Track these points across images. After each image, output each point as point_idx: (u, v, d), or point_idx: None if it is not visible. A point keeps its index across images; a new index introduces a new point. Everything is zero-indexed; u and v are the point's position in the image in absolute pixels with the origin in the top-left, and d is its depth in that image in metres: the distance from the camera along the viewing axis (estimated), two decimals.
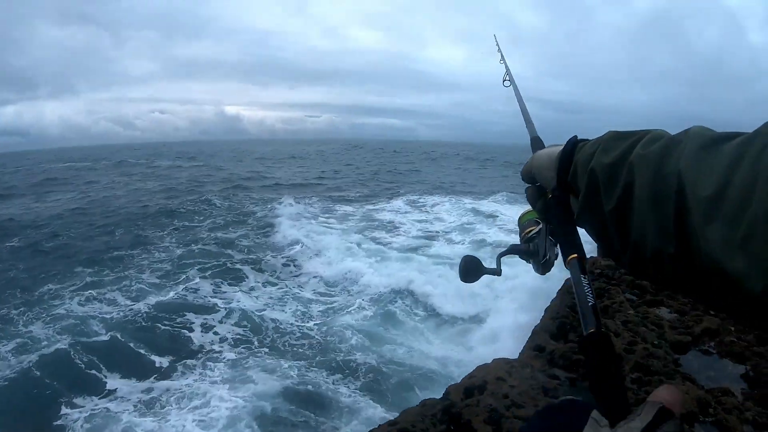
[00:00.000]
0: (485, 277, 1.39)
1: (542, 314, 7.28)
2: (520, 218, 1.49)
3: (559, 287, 8.47)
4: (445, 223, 21.85)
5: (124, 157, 63.06)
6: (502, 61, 2.55)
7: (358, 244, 16.99)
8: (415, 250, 17.00)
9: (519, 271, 11.68)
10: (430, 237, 19.30)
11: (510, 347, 7.43)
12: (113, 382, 8.22)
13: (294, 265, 14.82)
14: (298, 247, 16.46)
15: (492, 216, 22.37)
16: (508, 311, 10.19)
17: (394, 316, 10.82)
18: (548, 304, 7.87)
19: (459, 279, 1.41)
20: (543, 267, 1.32)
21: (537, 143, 1.67)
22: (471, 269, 1.38)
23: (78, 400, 7.69)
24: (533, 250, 1.35)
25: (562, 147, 1.16)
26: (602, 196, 0.96)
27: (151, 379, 8.41)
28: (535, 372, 5.01)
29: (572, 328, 6.18)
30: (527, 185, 1.38)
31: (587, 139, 1.12)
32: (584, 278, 0.98)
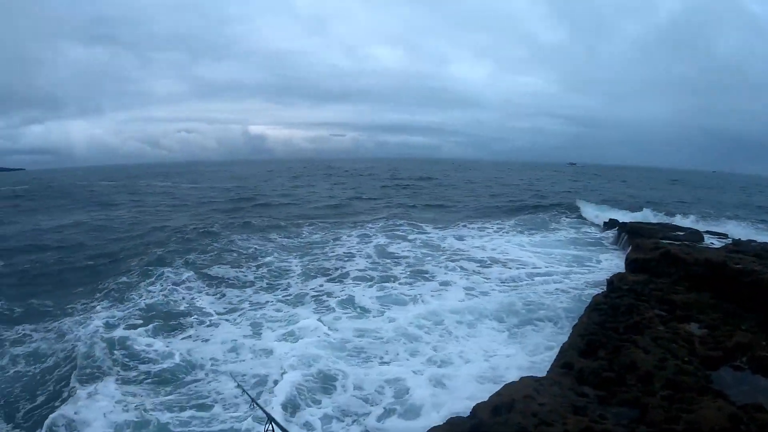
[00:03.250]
0: None
1: (570, 332, 7.22)
2: None
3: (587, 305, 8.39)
4: None
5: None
6: (253, 406, 2.61)
7: None
8: None
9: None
10: None
11: None
12: None
13: None
14: None
15: None
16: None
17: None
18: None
19: None
20: None
21: None
22: None
23: None
24: None
25: None
26: None
27: None
28: (564, 389, 4.94)
29: (601, 345, 6.08)
30: None
31: None
32: None
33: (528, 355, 7.72)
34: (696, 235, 13.97)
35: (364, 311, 10.13)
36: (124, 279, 12.67)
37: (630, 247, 12.45)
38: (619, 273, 9.48)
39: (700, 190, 53.72)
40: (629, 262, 10.09)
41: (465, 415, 4.69)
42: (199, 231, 19.54)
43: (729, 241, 13.67)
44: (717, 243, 13.39)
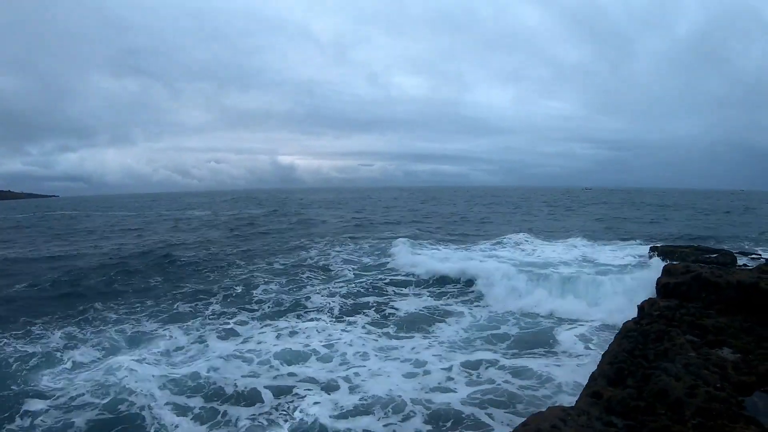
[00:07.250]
0: None
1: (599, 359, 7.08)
2: None
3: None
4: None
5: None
6: None
7: None
8: None
9: None
10: None
11: None
12: None
13: None
14: None
15: None
16: None
17: None
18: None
19: None
20: None
21: None
22: None
23: None
24: None
25: None
26: None
27: None
28: (591, 419, 4.87)
29: (630, 373, 5.97)
30: None
31: None
32: None
33: None
34: (728, 257, 13.69)
35: None
36: None
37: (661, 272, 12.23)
38: (650, 298, 9.26)
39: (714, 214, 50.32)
40: (660, 287, 9.87)
41: None
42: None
43: (763, 261, 13.34)
44: (750, 264, 13.08)
